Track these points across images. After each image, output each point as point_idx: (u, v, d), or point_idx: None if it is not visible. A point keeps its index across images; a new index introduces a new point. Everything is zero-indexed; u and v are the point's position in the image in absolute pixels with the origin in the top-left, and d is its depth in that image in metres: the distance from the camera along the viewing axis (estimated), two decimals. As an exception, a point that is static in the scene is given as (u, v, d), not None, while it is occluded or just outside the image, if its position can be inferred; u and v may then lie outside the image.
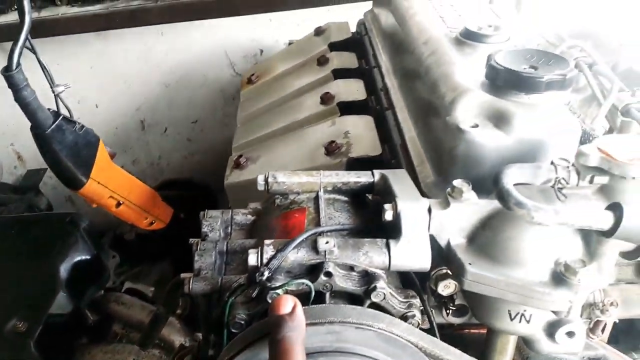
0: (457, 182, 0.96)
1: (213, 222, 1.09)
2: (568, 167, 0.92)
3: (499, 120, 1.04)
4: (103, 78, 2.89)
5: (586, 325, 1.10)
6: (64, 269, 1.60)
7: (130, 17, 2.48)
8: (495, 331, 1.09)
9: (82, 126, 1.79)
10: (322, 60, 1.88)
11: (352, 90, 1.67)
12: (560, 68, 1.06)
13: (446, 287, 0.99)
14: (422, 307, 0.96)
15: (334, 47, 1.92)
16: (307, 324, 0.80)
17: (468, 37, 1.30)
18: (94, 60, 2.83)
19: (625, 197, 0.89)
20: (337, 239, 0.94)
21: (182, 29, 2.74)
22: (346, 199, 1.10)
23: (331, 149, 1.40)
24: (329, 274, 0.89)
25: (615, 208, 0.85)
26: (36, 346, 1.45)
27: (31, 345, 1.43)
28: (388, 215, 0.96)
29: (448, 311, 1.08)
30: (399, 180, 1.05)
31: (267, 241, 0.93)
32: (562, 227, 0.88)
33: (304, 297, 0.89)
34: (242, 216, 1.13)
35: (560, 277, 0.88)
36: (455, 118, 1.08)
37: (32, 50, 1.45)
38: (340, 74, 1.77)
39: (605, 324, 1.30)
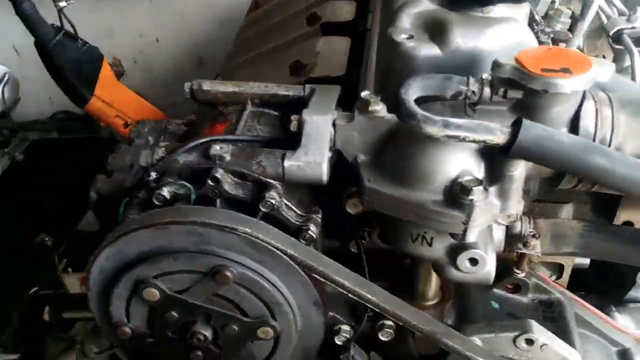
0: (364, 94, 0.89)
1: (142, 129, 1.08)
2: (482, 79, 0.83)
3: (436, 31, 0.96)
4: (162, 13, 2.89)
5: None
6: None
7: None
8: (418, 260, 1.03)
9: (85, 43, 1.83)
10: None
11: (342, 11, 1.59)
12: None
13: (354, 206, 0.94)
14: (319, 223, 0.92)
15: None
16: (169, 222, 0.79)
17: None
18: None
19: (537, 114, 0.80)
20: (233, 147, 0.91)
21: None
22: (276, 113, 1.06)
23: (295, 67, 1.35)
24: (216, 180, 0.87)
25: (515, 123, 0.76)
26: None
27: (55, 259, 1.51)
28: (293, 126, 0.92)
29: (368, 231, 1.03)
30: (325, 95, 0.99)
31: (162, 143, 0.92)
32: (461, 144, 0.81)
33: (189, 202, 0.87)
34: (176, 126, 1.12)
35: (454, 197, 0.82)
36: (393, 29, 1.00)
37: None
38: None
39: (563, 267, 1.20)
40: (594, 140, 0.82)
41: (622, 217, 1.05)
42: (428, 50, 0.95)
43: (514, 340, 1.04)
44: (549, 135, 0.76)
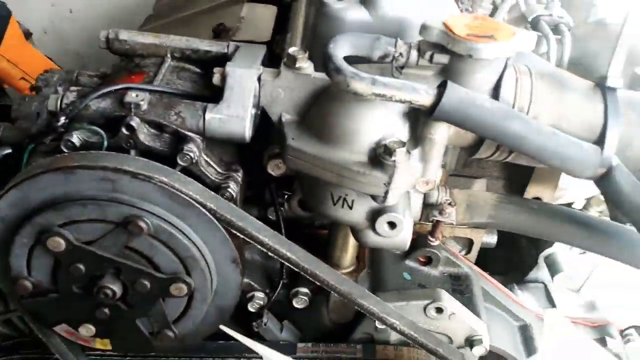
0: (292, 50, 0.87)
1: (50, 77, 1.01)
2: (410, 42, 0.84)
3: (366, -5, 0.96)
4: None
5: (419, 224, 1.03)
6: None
7: None
8: (336, 226, 1.03)
9: (-9, -3, 1.69)
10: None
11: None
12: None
13: (277, 167, 0.92)
14: (239, 181, 0.89)
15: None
16: (78, 167, 0.74)
17: None
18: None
19: (461, 80, 0.81)
20: (151, 96, 0.86)
21: None
22: (198, 70, 1.01)
23: (217, 31, 1.31)
24: (131, 128, 0.82)
25: (440, 85, 0.77)
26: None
27: None
28: (216, 80, 0.88)
29: (288, 195, 1.01)
30: (250, 52, 0.97)
31: (72, 88, 0.86)
32: (386, 104, 0.81)
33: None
34: (88, 78, 1.05)
35: (377, 158, 0.82)
36: (323, -7, 0.99)
37: None
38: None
39: (472, 242, 1.24)
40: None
41: (531, 192, 1.10)
42: (356, 13, 0.95)
43: (425, 308, 1.06)
44: (471, 99, 0.77)
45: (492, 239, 1.29)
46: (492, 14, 1.32)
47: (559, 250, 1.37)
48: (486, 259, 1.29)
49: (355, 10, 0.95)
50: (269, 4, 1.45)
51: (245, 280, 0.99)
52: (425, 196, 0.98)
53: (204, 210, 0.78)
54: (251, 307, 1.05)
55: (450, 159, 1.08)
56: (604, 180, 0.84)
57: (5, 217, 0.78)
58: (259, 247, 0.82)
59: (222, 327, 0.84)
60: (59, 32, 2.83)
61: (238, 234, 0.81)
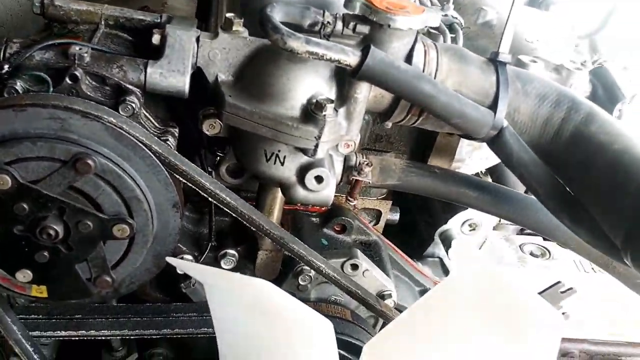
0: (229, 15, 0.95)
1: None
2: (336, 14, 0.95)
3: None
4: None
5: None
6: None
7: None
8: (264, 191, 1.11)
9: None
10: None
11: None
12: None
13: (211, 127, 0.98)
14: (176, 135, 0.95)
15: None
16: (29, 104, 0.77)
17: None
18: None
19: (380, 48, 0.93)
20: (93, 51, 0.90)
21: None
22: (130, 38, 1.06)
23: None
24: (74, 77, 0.85)
25: (365, 48, 0.89)
26: None
27: None
28: (155, 39, 0.94)
29: (218, 160, 1.07)
30: (184, 21, 1.03)
31: (15, 39, 0.88)
32: (317, 64, 0.91)
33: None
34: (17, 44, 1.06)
35: (309, 113, 0.91)
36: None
37: None
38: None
39: (381, 214, 1.37)
40: (422, 76, 0.98)
41: (432, 163, 1.24)
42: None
43: (342, 265, 1.16)
44: (390, 61, 0.89)
45: (395, 216, 1.44)
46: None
47: (452, 227, 1.54)
48: (389, 237, 1.41)
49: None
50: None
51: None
52: (346, 159, 1.08)
53: (149, 152, 0.83)
54: (179, 270, 1.09)
55: (363, 134, 1.21)
56: (496, 140, 0.99)
57: (-54, 155, 0.78)
58: (200, 192, 0.88)
59: (167, 258, 0.88)
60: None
61: (180, 179, 0.87)
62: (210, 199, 0.89)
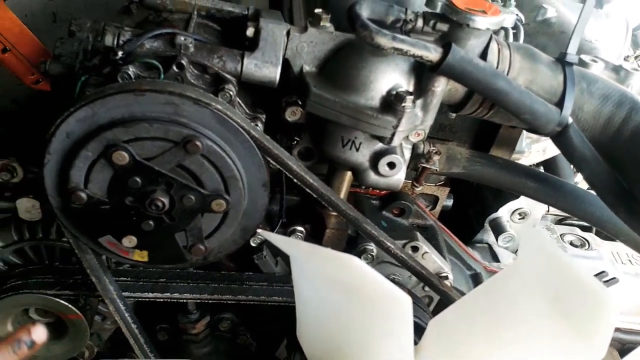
0: (318, 10, 1.03)
1: (83, 24, 1.10)
2: (417, 12, 1.02)
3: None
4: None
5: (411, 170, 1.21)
6: None
7: None
8: (333, 173, 1.19)
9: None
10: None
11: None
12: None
13: (293, 114, 1.07)
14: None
15: None
16: (148, 90, 0.86)
17: None
18: None
19: (458, 45, 0.99)
20: (195, 41, 0.99)
21: None
22: (219, 28, 1.14)
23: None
24: (180, 66, 0.94)
25: (446, 45, 0.96)
26: None
27: None
28: (250, 32, 1.02)
29: (294, 143, 1.16)
30: (271, 14, 1.10)
31: (126, 27, 0.97)
32: (398, 58, 0.99)
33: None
34: (115, 29, 1.15)
35: (388, 104, 0.99)
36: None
37: None
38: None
39: (438, 199, 1.45)
40: (495, 74, 1.04)
41: (492, 153, 1.31)
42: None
43: (403, 247, 1.24)
44: (469, 58, 0.96)
45: (449, 202, 1.51)
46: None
47: (502, 215, 1.61)
48: (442, 222, 1.49)
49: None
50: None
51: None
52: (414, 147, 1.16)
53: (247, 136, 0.92)
54: (253, 242, 1.18)
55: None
56: (561, 136, 1.05)
57: (72, 132, 0.87)
58: (287, 173, 0.97)
59: (259, 230, 0.97)
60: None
61: (271, 162, 0.96)
62: (295, 180, 0.98)
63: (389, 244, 1.06)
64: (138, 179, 0.90)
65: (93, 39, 1.03)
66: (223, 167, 0.92)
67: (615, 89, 1.07)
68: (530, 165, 1.44)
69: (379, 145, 1.05)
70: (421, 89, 1.02)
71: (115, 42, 0.95)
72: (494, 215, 1.59)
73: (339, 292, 0.88)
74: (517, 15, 1.42)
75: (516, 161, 1.30)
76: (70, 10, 2.91)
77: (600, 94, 1.06)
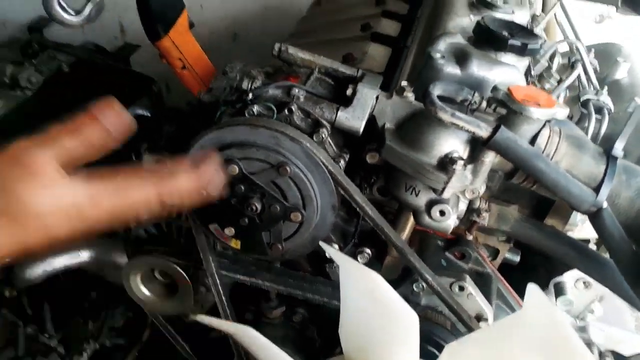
0: (403, 83, 1.31)
1: (235, 66, 1.48)
2: (483, 96, 1.26)
3: (461, 58, 1.38)
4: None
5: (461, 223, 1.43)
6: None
7: None
8: (401, 210, 1.44)
9: (172, -11, 2.19)
10: (379, 1, 2.24)
11: (389, 28, 2.01)
12: (527, 39, 1.38)
13: (372, 157, 1.34)
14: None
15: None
16: (261, 126, 1.19)
17: (481, 2, 1.62)
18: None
19: (511, 128, 1.22)
20: (307, 93, 1.31)
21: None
22: (333, 83, 1.46)
23: (346, 58, 1.76)
24: (290, 111, 1.27)
25: (496, 127, 1.18)
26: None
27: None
28: (348, 92, 1.32)
29: (372, 181, 1.43)
30: (373, 78, 1.40)
31: (259, 77, 1.32)
32: (457, 131, 1.23)
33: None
34: (257, 71, 1.52)
35: (444, 164, 1.23)
36: (432, 49, 1.42)
37: None
38: (387, 14, 2.12)
39: (498, 252, 1.64)
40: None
41: (547, 222, 1.49)
42: (452, 68, 1.37)
43: (451, 284, 1.46)
44: (514, 139, 1.17)
45: (515, 258, 1.68)
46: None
47: (567, 280, 1.74)
48: (506, 274, 1.66)
49: (452, 66, 1.36)
50: (387, 45, 1.90)
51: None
52: (470, 203, 1.38)
53: (325, 170, 1.22)
54: (328, 255, 1.47)
55: (494, 184, 1.49)
56: (595, 216, 1.22)
57: (204, 146, 1.23)
58: (353, 204, 1.25)
59: (321, 243, 1.26)
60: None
61: (341, 192, 1.25)
62: (358, 209, 1.26)
63: (427, 276, 1.30)
64: (242, 187, 1.23)
65: (238, 80, 1.40)
66: (303, 189, 1.23)
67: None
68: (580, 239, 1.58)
69: (434, 195, 1.29)
70: (474, 157, 1.25)
71: (249, 86, 1.30)
72: (559, 278, 1.73)
73: (365, 300, 1.14)
74: (606, 104, 1.60)
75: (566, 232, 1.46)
76: (248, 32, 3.39)
77: (638, 187, 1.22)
